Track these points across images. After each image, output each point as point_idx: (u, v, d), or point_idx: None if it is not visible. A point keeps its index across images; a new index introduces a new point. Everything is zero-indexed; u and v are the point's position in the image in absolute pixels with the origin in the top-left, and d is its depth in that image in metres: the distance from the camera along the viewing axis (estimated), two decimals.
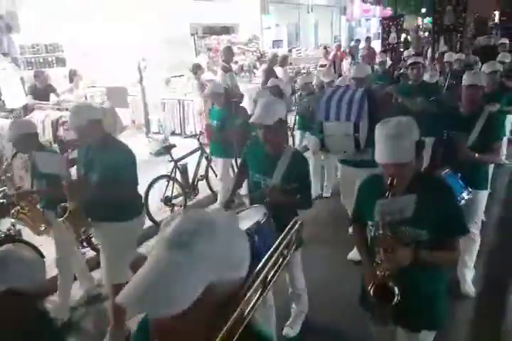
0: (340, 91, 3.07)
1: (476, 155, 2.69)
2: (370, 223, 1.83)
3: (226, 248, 0.77)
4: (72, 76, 7.27)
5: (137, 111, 8.07)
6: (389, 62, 10.01)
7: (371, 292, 1.68)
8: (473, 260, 3.11)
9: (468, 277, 3.07)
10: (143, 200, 4.21)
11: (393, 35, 10.78)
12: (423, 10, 18.63)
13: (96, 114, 2.66)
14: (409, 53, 8.70)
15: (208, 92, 4.56)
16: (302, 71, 10.55)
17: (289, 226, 1.33)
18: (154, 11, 9.96)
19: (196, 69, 6.73)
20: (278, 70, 7.88)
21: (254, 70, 10.82)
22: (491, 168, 3.59)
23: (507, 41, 8.13)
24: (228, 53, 6.73)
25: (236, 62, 10.68)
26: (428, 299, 1.80)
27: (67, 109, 5.69)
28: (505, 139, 5.22)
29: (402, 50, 10.26)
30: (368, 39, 11.81)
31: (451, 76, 5.97)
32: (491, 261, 3.46)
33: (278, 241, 1.19)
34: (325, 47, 12.43)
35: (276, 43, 13.82)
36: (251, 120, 2.44)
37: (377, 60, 6.99)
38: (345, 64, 11.44)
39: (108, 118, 6.06)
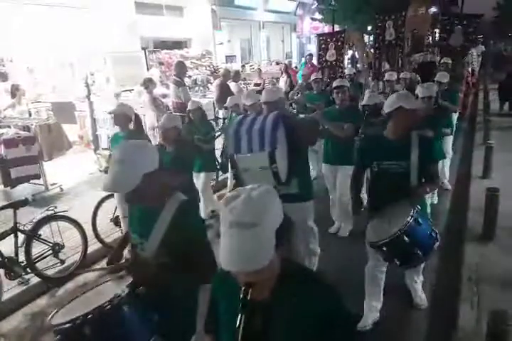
0: (250, 118, 2.62)
1: (426, 189, 2.58)
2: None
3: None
4: (15, 91, 6.91)
5: (85, 126, 7.79)
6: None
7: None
8: (420, 273, 3.13)
9: (418, 288, 3.11)
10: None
11: (331, 51, 9.89)
12: (369, 27, 19.63)
13: None
14: (351, 71, 8.04)
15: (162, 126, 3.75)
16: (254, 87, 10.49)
17: None
18: (104, 24, 9.79)
19: (148, 83, 6.61)
20: (231, 85, 7.94)
21: (208, 85, 10.85)
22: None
23: (449, 61, 7.64)
24: (180, 67, 6.69)
25: (189, 77, 10.66)
26: None
27: (9, 126, 5.39)
28: (446, 161, 5.13)
29: (342, 67, 9.62)
30: (310, 56, 11.78)
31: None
32: (439, 269, 3.60)
33: None
34: (277, 63, 12.71)
35: (230, 58, 13.99)
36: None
37: (312, 77, 6.17)
38: (281, 82, 11.04)
39: (54, 134, 5.81)
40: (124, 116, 3.94)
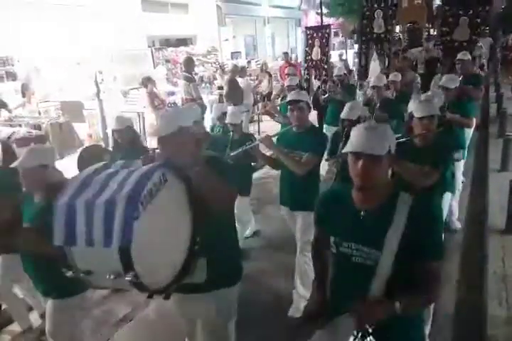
0: (105, 175, 1.43)
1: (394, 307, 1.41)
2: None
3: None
4: (25, 90, 6.93)
5: (94, 125, 7.79)
6: (316, 83, 8.31)
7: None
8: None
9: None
10: None
11: (317, 49, 8.21)
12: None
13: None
14: (340, 71, 6.16)
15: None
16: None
17: None
18: (110, 23, 9.77)
19: (146, 82, 6.58)
20: (239, 81, 7.92)
21: (214, 81, 10.82)
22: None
23: (467, 57, 5.29)
24: (189, 63, 6.68)
25: (196, 74, 10.65)
26: None
27: (20, 125, 5.41)
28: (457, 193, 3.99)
29: (326, 68, 8.16)
30: (286, 54, 10.76)
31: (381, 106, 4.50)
32: (462, 265, 3.54)
33: None
34: (282, 59, 12.59)
35: (235, 55, 13.94)
36: None
37: (286, 83, 4.97)
38: (263, 85, 9.54)
39: (64, 132, 5.82)
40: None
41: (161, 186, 1.43)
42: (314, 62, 8.23)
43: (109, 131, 7.44)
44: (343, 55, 14.45)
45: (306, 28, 9.35)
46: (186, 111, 1.96)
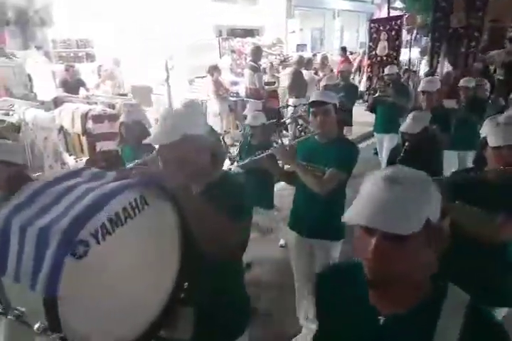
0: (61, 188, 1.09)
1: None
2: None
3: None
4: (101, 72, 7.41)
5: (160, 110, 8.15)
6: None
7: None
8: None
9: None
10: None
11: (383, 44, 7.45)
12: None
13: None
14: (391, 70, 5.43)
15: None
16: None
17: None
18: (180, 10, 10.09)
19: (212, 70, 6.77)
20: (304, 73, 7.86)
21: (276, 74, 10.83)
22: None
23: None
24: (257, 53, 6.75)
25: (260, 65, 10.72)
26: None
27: (96, 103, 5.79)
28: None
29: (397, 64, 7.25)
30: (343, 50, 10.16)
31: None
32: None
33: None
34: (351, 53, 12.31)
35: (300, 47, 13.84)
36: None
37: (322, 82, 4.09)
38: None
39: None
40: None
41: (135, 211, 1.08)
42: (379, 59, 7.40)
43: None
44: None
45: (371, 20, 8.22)
46: (194, 115, 1.50)
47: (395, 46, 7.36)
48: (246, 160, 2.68)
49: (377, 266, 0.85)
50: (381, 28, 7.42)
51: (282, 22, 13.84)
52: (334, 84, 4.30)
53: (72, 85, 6.71)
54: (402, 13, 11.02)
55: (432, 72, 6.46)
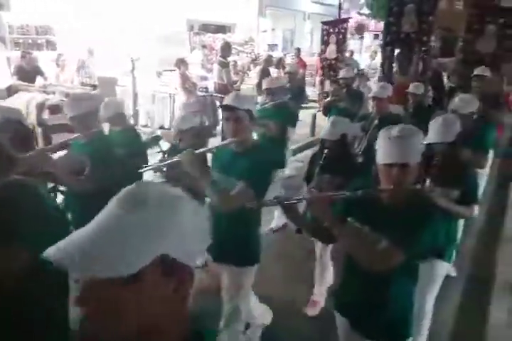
0: None
1: None
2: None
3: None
4: (60, 61, 7.07)
5: (125, 102, 7.88)
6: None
7: None
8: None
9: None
10: None
11: (332, 47, 7.09)
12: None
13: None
14: (347, 74, 5.04)
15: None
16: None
17: None
18: (151, 4, 9.83)
19: (180, 64, 6.63)
20: (272, 71, 7.83)
21: (248, 72, 10.76)
22: None
23: (486, 73, 4.67)
24: (226, 49, 6.64)
25: (229, 62, 10.62)
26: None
27: (53, 93, 5.49)
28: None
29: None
30: (298, 50, 10.19)
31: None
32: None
33: None
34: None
35: (271, 47, 13.86)
36: None
37: (264, 85, 3.91)
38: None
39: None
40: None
41: None
42: (329, 62, 7.19)
43: (139, 109, 7.55)
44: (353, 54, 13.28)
45: (323, 22, 7.73)
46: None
47: (342, 49, 7.30)
48: (153, 165, 2.29)
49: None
50: (331, 30, 7.28)
51: (254, 20, 13.82)
52: (279, 87, 3.94)
53: (28, 73, 6.33)
54: (366, 18, 10.92)
55: (383, 77, 6.35)
